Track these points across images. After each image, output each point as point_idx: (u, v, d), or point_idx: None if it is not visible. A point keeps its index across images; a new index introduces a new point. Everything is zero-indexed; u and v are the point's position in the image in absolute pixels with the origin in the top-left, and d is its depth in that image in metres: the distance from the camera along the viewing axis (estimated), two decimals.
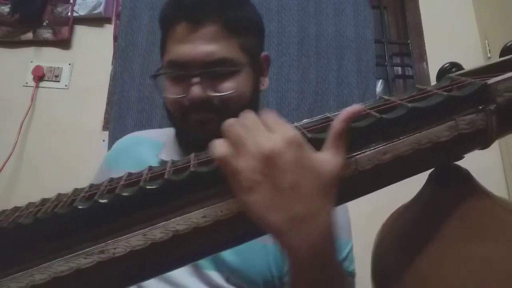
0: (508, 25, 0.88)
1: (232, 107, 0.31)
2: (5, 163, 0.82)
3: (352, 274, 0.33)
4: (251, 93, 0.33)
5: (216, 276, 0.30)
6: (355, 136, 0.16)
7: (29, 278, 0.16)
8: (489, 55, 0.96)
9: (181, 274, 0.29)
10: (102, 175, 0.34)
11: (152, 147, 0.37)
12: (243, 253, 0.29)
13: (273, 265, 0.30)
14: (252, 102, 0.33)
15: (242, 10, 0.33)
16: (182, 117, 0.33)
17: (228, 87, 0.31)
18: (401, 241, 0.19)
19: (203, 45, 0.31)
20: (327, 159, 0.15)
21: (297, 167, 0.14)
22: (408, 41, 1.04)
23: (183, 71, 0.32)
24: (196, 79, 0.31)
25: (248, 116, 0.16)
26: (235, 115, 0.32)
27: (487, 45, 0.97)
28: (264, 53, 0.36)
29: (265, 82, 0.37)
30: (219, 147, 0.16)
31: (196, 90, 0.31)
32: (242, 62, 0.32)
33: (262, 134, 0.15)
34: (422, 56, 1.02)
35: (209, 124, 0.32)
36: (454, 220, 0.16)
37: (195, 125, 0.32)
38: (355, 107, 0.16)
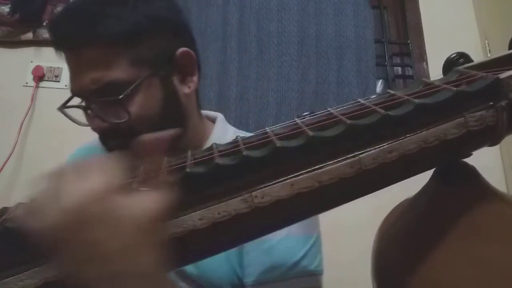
0: (508, 25, 0.88)
1: (142, 128, 0.28)
2: (5, 163, 0.82)
3: (314, 273, 0.30)
4: (162, 105, 0.29)
5: (185, 287, 0.30)
6: (359, 134, 0.15)
7: (19, 283, 0.15)
8: (489, 55, 0.96)
9: None
10: None
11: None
12: (205, 265, 0.29)
13: (238, 269, 0.30)
14: (168, 113, 0.30)
15: (125, 20, 0.28)
16: (101, 142, 0.31)
17: (125, 112, 0.28)
18: (404, 239, 0.18)
19: (87, 73, 0.28)
20: (143, 203, 0.14)
21: (102, 222, 0.14)
22: (408, 41, 1.04)
23: (81, 101, 0.30)
24: (90, 111, 0.29)
25: (64, 166, 0.15)
26: (152, 131, 0.30)
27: (487, 45, 0.97)
28: (181, 50, 0.30)
29: (192, 83, 0.32)
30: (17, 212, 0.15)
31: (93, 123, 0.29)
32: (137, 79, 0.28)
33: (68, 187, 0.14)
34: (422, 56, 1.02)
35: (124, 148, 0.29)
36: (460, 220, 0.16)
37: (112, 150, 0.30)
38: (161, 134, 0.15)
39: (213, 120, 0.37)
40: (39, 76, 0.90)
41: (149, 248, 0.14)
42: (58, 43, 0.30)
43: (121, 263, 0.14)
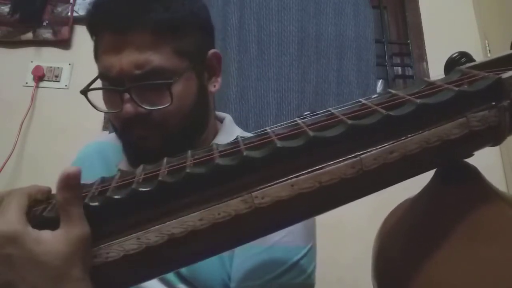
0: (508, 25, 0.88)
1: (173, 119, 0.29)
2: (5, 163, 0.82)
3: (302, 285, 0.29)
4: (195, 99, 0.30)
5: None
6: (360, 134, 0.15)
7: None
8: (489, 55, 0.96)
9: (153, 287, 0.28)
10: None
11: (117, 153, 0.34)
12: (198, 266, 0.28)
13: (231, 272, 0.29)
14: (197, 108, 0.30)
15: (174, 11, 0.29)
16: (124, 131, 0.30)
17: (164, 100, 0.28)
18: (405, 239, 0.18)
19: (131, 56, 0.27)
20: (56, 240, 0.14)
21: (8, 266, 0.14)
22: (408, 41, 1.04)
23: (113, 85, 0.28)
24: (127, 95, 0.28)
25: None
26: (178, 126, 0.29)
27: (487, 45, 0.97)
28: (212, 51, 0.32)
29: (217, 83, 0.33)
30: None
31: (128, 108, 0.28)
32: (179, 69, 0.28)
33: None
34: (422, 56, 1.01)
35: (151, 139, 0.29)
36: (462, 220, 0.16)
37: (137, 140, 0.29)
38: (67, 170, 0.15)
39: (221, 120, 0.37)
40: (39, 76, 0.90)
41: (67, 283, 0.14)
42: (102, 23, 0.29)
43: None
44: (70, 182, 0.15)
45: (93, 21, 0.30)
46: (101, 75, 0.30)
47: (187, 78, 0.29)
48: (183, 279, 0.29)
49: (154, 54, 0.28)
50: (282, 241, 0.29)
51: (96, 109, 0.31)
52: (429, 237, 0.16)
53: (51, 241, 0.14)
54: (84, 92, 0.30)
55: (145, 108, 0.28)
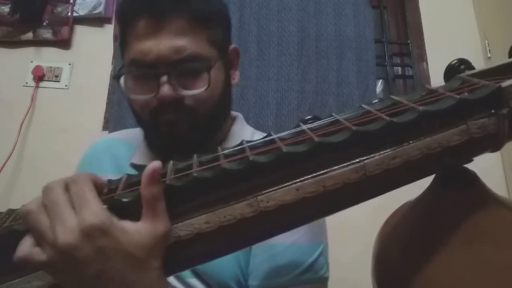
0: (508, 25, 0.88)
1: (204, 105, 0.30)
2: (5, 163, 0.82)
3: (321, 280, 0.30)
4: (223, 88, 0.31)
5: (196, 283, 0.30)
6: (364, 140, 0.15)
7: (26, 285, 0.15)
8: (489, 55, 0.96)
9: None
10: None
11: (127, 149, 0.35)
12: (213, 262, 0.28)
13: (245, 269, 0.30)
14: (223, 98, 0.32)
15: (208, 2, 0.31)
16: (151, 118, 0.30)
17: (200, 85, 0.29)
18: (405, 243, 0.18)
19: (169, 41, 0.28)
20: (140, 233, 0.15)
21: (99, 256, 0.14)
22: (408, 41, 1.04)
23: (148, 69, 0.29)
24: (164, 78, 0.28)
25: (50, 194, 0.15)
26: (207, 113, 0.30)
27: (487, 45, 0.97)
28: (232, 46, 0.34)
29: (236, 76, 0.35)
30: (19, 247, 0.15)
31: (166, 90, 0.28)
32: (212, 57, 0.30)
33: (61, 220, 0.14)
34: (422, 56, 1.02)
35: (180, 125, 0.30)
36: (460, 224, 0.16)
37: (165, 127, 0.30)
38: (153, 165, 0.15)
39: (232, 119, 0.38)
40: (39, 76, 0.90)
41: (149, 274, 0.15)
42: (140, 8, 0.29)
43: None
44: (156, 177, 0.15)
45: (129, 6, 0.30)
46: (133, 61, 0.30)
47: (217, 67, 0.31)
48: (195, 273, 0.30)
49: (191, 41, 0.29)
50: (301, 239, 0.29)
51: (128, 96, 0.31)
52: (428, 240, 0.17)
53: (136, 233, 0.15)
54: (117, 77, 0.31)
55: (182, 93, 0.28)
